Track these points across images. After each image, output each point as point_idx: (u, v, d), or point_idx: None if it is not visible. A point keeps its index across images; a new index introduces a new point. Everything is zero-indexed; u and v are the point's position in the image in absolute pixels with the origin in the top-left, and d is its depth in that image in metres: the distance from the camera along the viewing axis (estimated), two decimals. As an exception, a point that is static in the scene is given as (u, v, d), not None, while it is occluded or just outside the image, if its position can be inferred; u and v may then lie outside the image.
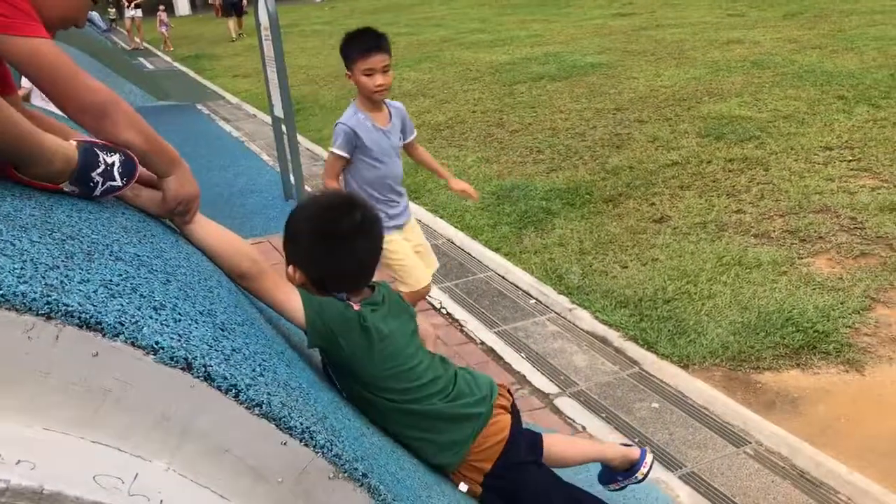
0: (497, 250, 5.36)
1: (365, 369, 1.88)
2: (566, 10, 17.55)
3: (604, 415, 3.52)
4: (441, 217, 6.05)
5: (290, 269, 1.96)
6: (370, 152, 3.37)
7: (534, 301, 4.68)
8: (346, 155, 3.35)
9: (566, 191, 6.18)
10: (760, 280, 4.42)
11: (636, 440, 3.31)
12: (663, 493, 2.94)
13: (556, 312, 4.51)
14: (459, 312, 4.57)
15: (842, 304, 4.09)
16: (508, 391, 2.30)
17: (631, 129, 7.44)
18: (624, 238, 5.28)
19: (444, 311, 4.61)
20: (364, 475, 1.05)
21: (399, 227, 3.54)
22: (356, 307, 1.89)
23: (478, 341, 4.25)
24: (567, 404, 3.63)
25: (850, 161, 5.99)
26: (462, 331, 4.37)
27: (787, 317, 4.00)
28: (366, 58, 3.25)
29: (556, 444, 2.33)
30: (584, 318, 4.38)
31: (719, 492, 2.97)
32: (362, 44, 3.26)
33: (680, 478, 3.06)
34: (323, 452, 1.00)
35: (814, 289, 4.27)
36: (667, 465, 3.14)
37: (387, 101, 3.48)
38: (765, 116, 7.25)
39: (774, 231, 5.03)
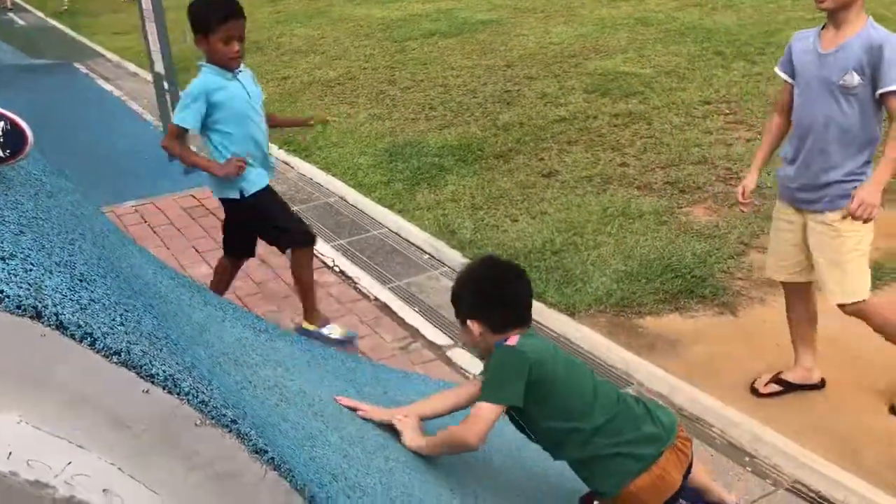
0: (390, 207, 5.36)
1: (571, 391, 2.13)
2: (458, -33, 17.47)
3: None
4: (334, 175, 5.99)
5: (470, 323, 2.22)
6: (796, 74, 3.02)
7: (427, 256, 4.71)
8: (780, 73, 3.09)
9: (458, 147, 6.21)
10: (642, 230, 4.58)
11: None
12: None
13: (449, 266, 4.55)
14: (352, 270, 4.56)
15: (717, 250, 4.29)
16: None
17: (521, 86, 7.52)
18: (514, 193, 5.37)
19: (336, 268, 4.59)
20: (233, 421, 1.04)
21: None
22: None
23: (371, 297, 4.25)
24: (459, 355, 3.69)
25: (727, 114, 6.24)
26: (355, 288, 4.36)
27: (666, 264, 4.18)
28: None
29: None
30: (476, 272, 4.44)
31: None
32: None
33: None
34: (188, 399, 0.98)
35: (692, 237, 4.46)
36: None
37: (875, 27, 2.90)
38: (648, 73, 7.45)
39: (656, 183, 5.22)
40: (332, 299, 4.24)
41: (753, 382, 3.28)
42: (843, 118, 2.78)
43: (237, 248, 3.71)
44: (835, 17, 2.76)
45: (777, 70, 3.06)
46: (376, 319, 4.03)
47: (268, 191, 3.49)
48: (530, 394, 2.07)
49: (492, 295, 2.23)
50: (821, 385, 3.24)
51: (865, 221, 2.73)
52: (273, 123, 3.71)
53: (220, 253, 3.78)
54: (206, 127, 3.34)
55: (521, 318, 2.22)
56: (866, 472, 2.79)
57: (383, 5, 12.56)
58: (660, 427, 2.11)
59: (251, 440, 1.05)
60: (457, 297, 2.31)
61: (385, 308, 4.15)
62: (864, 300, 2.90)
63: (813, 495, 2.68)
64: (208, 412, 1.01)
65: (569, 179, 5.44)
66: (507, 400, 2.07)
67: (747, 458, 2.91)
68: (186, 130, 3.36)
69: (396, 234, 5.01)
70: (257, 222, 3.52)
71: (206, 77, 3.30)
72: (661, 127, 6.13)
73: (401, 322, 4.01)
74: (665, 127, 6.12)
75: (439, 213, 5.15)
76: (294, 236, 3.47)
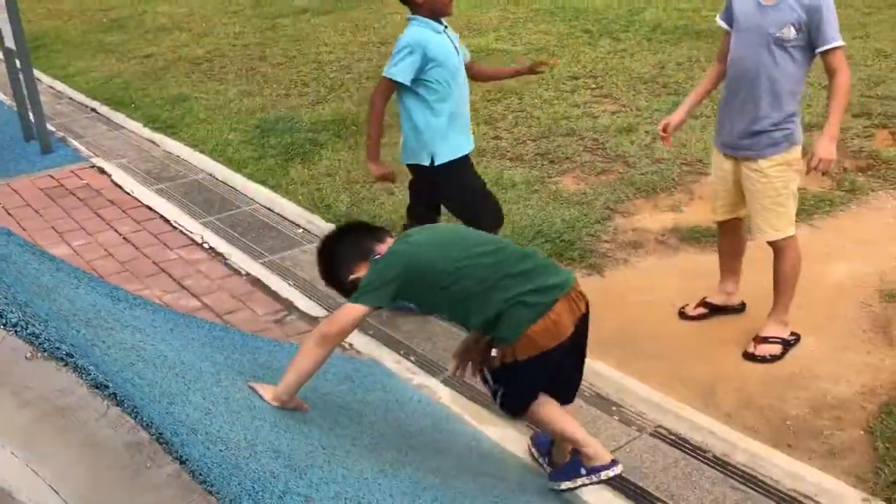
0: (262, 183, 5.24)
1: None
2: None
3: (371, 332, 3.59)
4: (202, 152, 5.80)
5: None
6: (734, 24, 3.16)
7: (301, 230, 4.64)
8: (720, 22, 3.25)
9: (333, 122, 6.13)
10: (515, 199, 4.66)
11: (402, 352, 3.42)
12: (426, 396, 3.06)
13: (323, 240, 4.49)
14: (223, 246, 4.44)
15: (585, 215, 4.42)
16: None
17: (395, 62, 7.50)
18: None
19: (206, 245, 4.45)
20: (69, 355, 0.99)
21: None
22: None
23: (243, 273, 4.15)
24: (334, 325, 3.65)
25: (593, 89, 6.43)
26: (226, 264, 4.25)
27: (537, 230, 4.27)
28: None
29: (553, 409, 2.42)
30: (351, 244, 4.40)
31: (476, 389, 3.15)
32: None
33: (442, 382, 3.20)
34: (16, 331, 0.92)
35: (561, 204, 4.58)
36: (430, 372, 3.27)
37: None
38: (519, 49, 7.58)
39: (527, 154, 5.32)
40: (202, 276, 4.11)
41: (683, 308, 3.56)
42: (775, 69, 2.97)
43: (421, 217, 3.54)
44: None
45: (717, 19, 3.23)
46: (248, 294, 3.94)
47: (463, 163, 3.41)
48: (415, 287, 2.27)
49: (339, 256, 2.40)
50: (741, 308, 3.54)
51: (824, 174, 3.00)
52: (487, 76, 3.62)
53: (82, 233, 3.58)
54: (416, 83, 3.22)
55: (374, 236, 2.41)
56: (724, 414, 2.95)
57: (253, -18, 12.24)
58: (555, 278, 2.28)
59: (90, 374, 1.00)
60: (332, 280, 2.47)
61: (257, 283, 4.06)
62: (790, 235, 3.16)
63: (674, 438, 2.82)
64: (39, 345, 0.95)
65: (443, 152, 5.46)
66: (370, 302, 2.25)
67: (614, 408, 3.02)
68: (397, 86, 3.26)
69: (269, 209, 4.91)
70: (445, 193, 3.44)
71: (421, 29, 3.21)
72: (531, 101, 6.25)
73: (275, 296, 3.94)
74: (535, 101, 6.24)
75: (314, 188, 5.08)
76: (480, 224, 3.21)
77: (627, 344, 3.39)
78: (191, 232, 4.57)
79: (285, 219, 4.77)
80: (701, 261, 3.95)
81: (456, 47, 3.35)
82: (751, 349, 3.22)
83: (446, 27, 3.34)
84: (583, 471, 2.39)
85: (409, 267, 2.26)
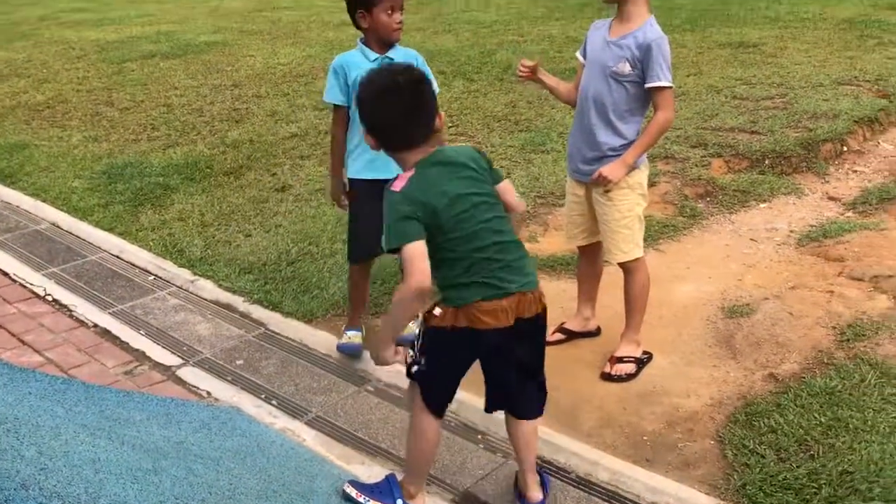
0: (110, 230, 5.00)
1: None
2: (181, -8, 16.87)
3: (229, 377, 3.46)
4: (44, 201, 5.47)
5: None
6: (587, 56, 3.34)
7: (153, 277, 4.44)
8: (579, 57, 3.38)
9: (185, 166, 5.94)
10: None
11: (262, 396, 3.31)
12: (289, 439, 2.97)
13: (177, 286, 4.32)
14: (68, 297, 4.18)
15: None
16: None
17: (249, 104, 7.38)
18: (247, 208, 5.24)
19: (49, 297, 4.18)
20: None
21: None
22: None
23: (90, 324, 3.92)
24: (190, 373, 3.50)
25: (450, 127, 6.55)
26: (71, 316, 4.00)
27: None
28: None
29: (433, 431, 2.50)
30: (208, 288, 4.26)
31: (343, 429, 3.09)
32: None
33: (306, 423, 3.12)
34: None
35: (422, 238, 4.60)
36: (293, 415, 3.18)
37: (652, 26, 3.13)
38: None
39: (387, 191, 5.33)
40: (44, 329, 3.85)
41: None
42: (611, 101, 3.13)
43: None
44: (621, 11, 3.13)
45: (577, 54, 3.39)
46: (96, 346, 3.71)
47: (359, 187, 3.41)
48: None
49: (375, 110, 2.29)
50: (597, 332, 3.65)
51: (606, 186, 3.14)
52: None
53: None
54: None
55: (411, 138, 2.29)
56: (585, 434, 3.02)
57: (98, 27, 11.79)
58: (523, 278, 2.34)
59: None
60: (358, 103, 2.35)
61: (106, 334, 3.84)
62: (638, 257, 3.29)
63: (538, 461, 2.84)
64: None
65: (303, 192, 5.40)
66: (411, 237, 2.17)
67: (479, 436, 3.03)
68: (340, 108, 3.35)
69: (118, 257, 4.67)
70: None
71: (352, 53, 3.36)
72: (389, 140, 6.28)
73: (125, 346, 3.73)
74: (393, 140, 6.28)
75: (165, 233, 4.89)
76: (349, 251, 3.58)
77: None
78: (32, 284, 4.29)
79: (135, 266, 4.56)
80: (557, 288, 4.06)
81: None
82: (607, 369, 3.33)
83: (390, 59, 3.30)
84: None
85: (425, 210, 2.23)
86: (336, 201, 3.61)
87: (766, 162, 5.63)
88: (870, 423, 2.85)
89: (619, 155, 3.17)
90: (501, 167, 5.58)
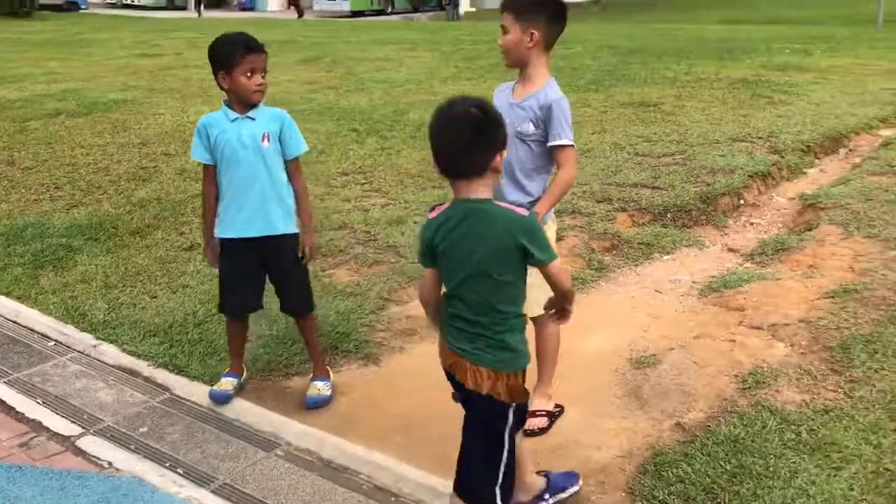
0: (7, 294, 4.79)
1: None
2: (87, 51, 16.52)
3: (132, 446, 3.33)
4: (-66, 266, 5.21)
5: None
6: None
7: (53, 343, 4.26)
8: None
9: (89, 226, 5.77)
10: (288, 294, 4.59)
11: (167, 464, 3.19)
12: (194, 509, 2.86)
13: (78, 351, 4.16)
14: (-42, 367, 3.96)
15: (360, 307, 4.45)
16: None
17: (158, 163, 7.25)
18: (154, 268, 5.11)
19: (-64, 367, 3.95)
20: None
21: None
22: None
23: (-18, 395, 3.71)
24: (91, 443, 3.35)
25: (363, 184, 6.59)
26: (-39, 386, 3.79)
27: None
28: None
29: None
30: (111, 353, 4.11)
31: (251, 496, 3.00)
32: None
33: (213, 491, 3.02)
34: None
35: (336, 296, 4.58)
36: (199, 483, 3.07)
37: (552, 88, 3.21)
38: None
39: (299, 249, 5.29)
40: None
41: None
42: (518, 160, 3.19)
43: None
44: (523, 74, 3.19)
45: None
46: (-11, 418, 3.52)
47: (226, 245, 3.50)
48: None
49: (431, 137, 2.38)
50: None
51: None
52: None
53: None
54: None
55: (449, 168, 2.37)
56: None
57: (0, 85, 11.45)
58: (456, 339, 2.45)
59: None
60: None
61: (0, 404, 3.65)
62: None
63: (454, 520, 2.82)
64: None
65: (211, 252, 5.30)
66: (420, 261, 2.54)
67: (393, 498, 2.99)
68: (208, 167, 3.46)
69: (14, 322, 4.47)
70: None
71: (215, 114, 3.42)
72: (302, 197, 6.26)
73: (20, 417, 3.56)
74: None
75: (67, 296, 4.71)
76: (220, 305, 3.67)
77: (407, 431, 3.39)
78: (-83, 354, 4.06)
79: (34, 332, 4.37)
80: (471, 343, 4.07)
81: (244, 137, 3.37)
82: None
83: (252, 118, 3.38)
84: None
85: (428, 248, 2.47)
86: (209, 260, 3.67)
87: (669, 215, 5.84)
88: (771, 468, 2.93)
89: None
90: (415, 223, 5.62)
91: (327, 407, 3.59)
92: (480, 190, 2.35)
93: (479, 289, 2.37)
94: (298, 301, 3.68)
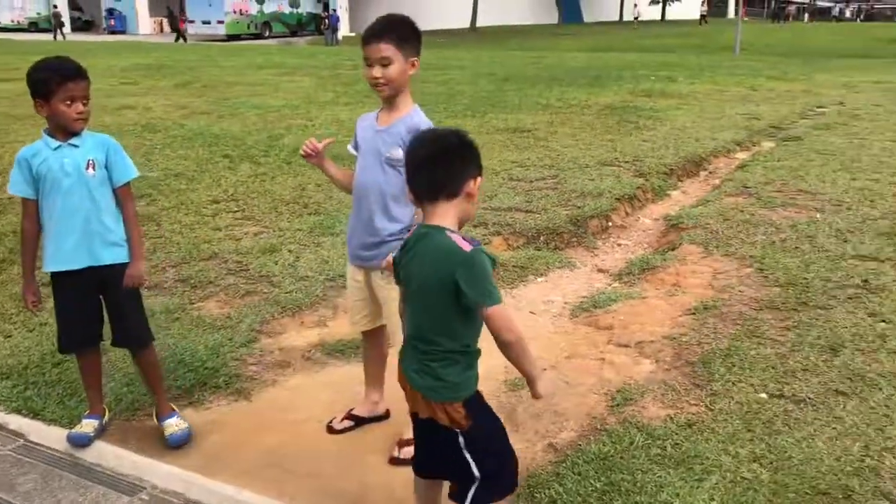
0: None
1: None
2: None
3: (-22, 499, 3.08)
4: None
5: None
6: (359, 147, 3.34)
7: None
8: (350, 150, 3.42)
9: (-66, 262, 5.37)
10: (155, 330, 4.39)
11: (18, 517, 2.97)
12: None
13: (-83, 400, 3.83)
14: None
15: (230, 340, 4.31)
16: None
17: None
18: (8, 305, 4.80)
19: None
20: None
21: None
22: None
23: None
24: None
25: (235, 211, 6.43)
26: None
27: (179, 359, 4.06)
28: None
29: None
30: (-44, 400, 3.81)
31: (112, 546, 2.83)
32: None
33: (69, 544, 2.83)
34: None
35: (205, 330, 4.42)
36: (54, 535, 2.87)
37: (419, 113, 3.23)
38: (156, 175, 7.38)
39: (167, 282, 5.10)
40: None
41: (330, 422, 3.57)
42: (387, 186, 3.17)
43: None
44: (389, 102, 3.19)
45: (348, 147, 3.39)
46: None
47: (53, 277, 3.36)
48: None
49: (408, 164, 2.46)
50: (386, 416, 3.62)
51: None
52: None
53: None
54: None
55: (417, 194, 2.42)
56: (375, 523, 2.96)
57: None
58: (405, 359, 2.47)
59: None
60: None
61: None
62: None
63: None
64: None
65: (72, 286, 5.03)
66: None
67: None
68: (28, 201, 3.26)
69: None
70: None
71: (36, 144, 3.24)
72: (170, 227, 6.06)
73: None
74: (175, 227, 6.06)
75: None
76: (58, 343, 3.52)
77: (279, 466, 3.30)
78: None
79: None
80: (348, 372, 4.03)
81: (67, 166, 3.21)
82: (395, 453, 3.31)
83: (75, 146, 3.23)
84: None
85: None
86: (26, 302, 3.49)
87: (542, 238, 5.98)
88: (639, 484, 3.02)
89: (398, 239, 3.22)
90: (290, 251, 5.52)
91: (194, 444, 3.45)
92: (441, 216, 2.34)
93: (417, 313, 2.39)
94: (133, 333, 3.52)
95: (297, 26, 50.17)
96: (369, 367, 3.64)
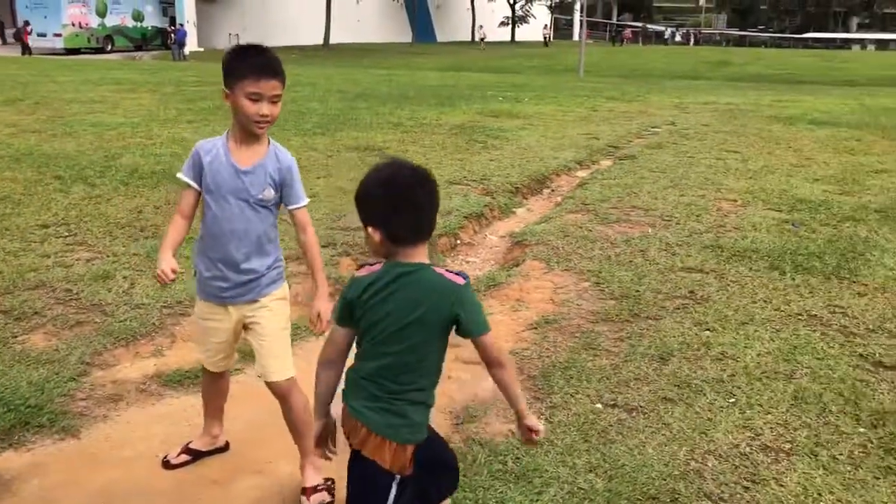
0: None
1: None
2: None
3: None
4: None
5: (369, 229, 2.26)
6: (207, 186, 3.00)
7: None
8: (185, 178, 3.04)
9: None
10: (-29, 366, 4.07)
11: None
12: None
13: None
14: None
15: (57, 374, 4.04)
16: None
17: None
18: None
19: None
20: None
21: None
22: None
23: None
24: None
25: (66, 237, 6.05)
26: None
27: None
28: (256, 80, 2.84)
29: None
30: None
31: None
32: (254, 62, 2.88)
33: None
34: None
35: (28, 365, 4.12)
36: None
37: (277, 146, 3.06)
38: (-23, 198, 6.84)
39: (-14, 313, 4.73)
40: None
41: (166, 457, 3.40)
42: (260, 226, 3.04)
43: None
44: (242, 135, 2.98)
45: (182, 176, 3.07)
46: None
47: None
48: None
49: (395, 204, 2.25)
50: (226, 448, 3.49)
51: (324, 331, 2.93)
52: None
53: None
54: None
55: (419, 233, 2.28)
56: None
57: None
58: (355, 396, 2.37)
59: None
60: (359, 199, 2.32)
61: None
62: (293, 376, 3.16)
63: None
64: None
65: None
66: (335, 317, 2.42)
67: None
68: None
69: None
70: None
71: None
72: (-9, 255, 5.63)
73: None
74: (-3, 254, 5.64)
75: None
76: None
77: (107, 507, 3.12)
78: None
79: None
80: (185, 404, 3.87)
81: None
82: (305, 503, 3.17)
83: None
84: None
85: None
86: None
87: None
88: (481, 501, 3.06)
89: (273, 270, 3.13)
90: (124, 277, 5.26)
91: (11, 491, 3.19)
92: (421, 254, 2.29)
93: (393, 352, 2.29)
94: None
95: (141, 40, 48.18)
96: (211, 400, 3.46)
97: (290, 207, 3.10)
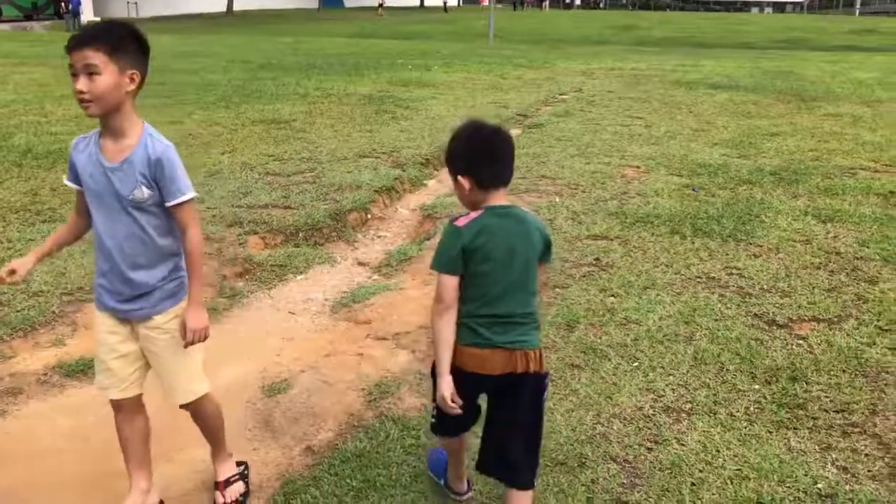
0: None
1: None
2: None
3: None
4: None
5: (461, 178, 2.56)
6: (85, 187, 2.67)
7: None
8: (67, 182, 2.73)
9: None
10: None
11: None
12: None
13: None
14: None
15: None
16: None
17: None
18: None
19: None
20: None
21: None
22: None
23: None
24: None
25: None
26: None
27: None
28: (69, 53, 2.47)
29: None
30: None
31: None
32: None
33: None
34: None
35: (-82, 361, 3.94)
36: None
37: (153, 136, 2.62)
38: None
39: None
40: None
41: None
42: (142, 231, 2.64)
43: None
44: (109, 126, 2.57)
45: (66, 181, 2.74)
46: None
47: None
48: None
49: (478, 153, 2.56)
50: None
51: (204, 340, 2.71)
52: None
53: None
54: None
55: (501, 177, 2.58)
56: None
57: None
58: (513, 335, 2.56)
59: None
60: (449, 155, 2.61)
61: None
62: (204, 392, 2.89)
63: None
64: None
65: None
66: (445, 269, 2.53)
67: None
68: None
69: None
70: None
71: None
72: None
73: None
74: None
75: None
76: None
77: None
78: None
79: None
80: (89, 394, 3.75)
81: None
82: (220, 500, 3.02)
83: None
84: None
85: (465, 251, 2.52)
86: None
87: (301, 235, 5.94)
88: (394, 477, 3.10)
89: (172, 281, 2.76)
90: (21, 265, 5.04)
91: None
92: (504, 198, 2.61)
93: (528, 281, 2.60)
94: None
95: (32, 10, 45.82)
96: (132, 447, 2.94)
97: (167, 204, 2.64)
